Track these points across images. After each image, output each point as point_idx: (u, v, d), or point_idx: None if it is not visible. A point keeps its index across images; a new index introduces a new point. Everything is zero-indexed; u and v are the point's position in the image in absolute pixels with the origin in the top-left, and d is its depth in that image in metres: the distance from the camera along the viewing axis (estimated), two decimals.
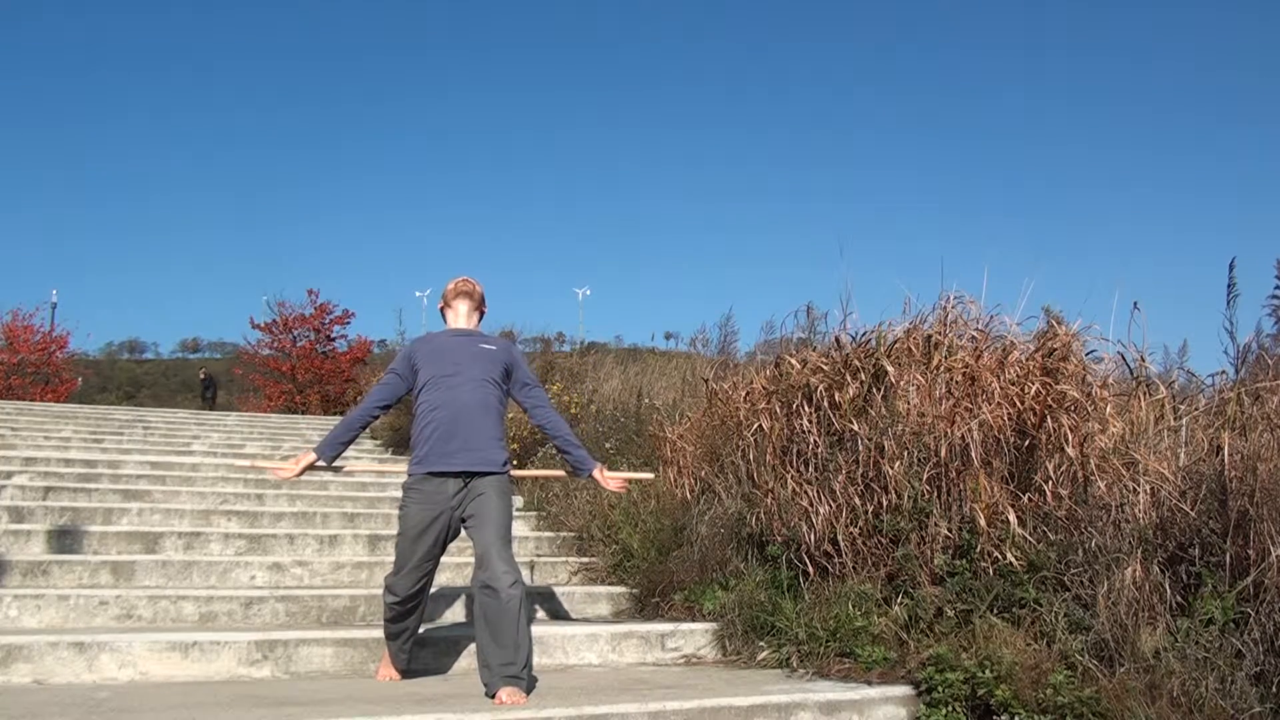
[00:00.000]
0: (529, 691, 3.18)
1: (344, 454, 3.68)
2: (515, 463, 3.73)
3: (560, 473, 4.78)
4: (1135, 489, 3.71)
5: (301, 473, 3.62)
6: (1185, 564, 3.43)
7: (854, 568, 4.13)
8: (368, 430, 11.41)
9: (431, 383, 3.55)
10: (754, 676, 3.78)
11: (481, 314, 3.81)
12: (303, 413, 18.49)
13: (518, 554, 3.46)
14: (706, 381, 6.07)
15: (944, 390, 4.42)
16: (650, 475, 4.77)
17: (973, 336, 4.79)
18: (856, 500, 4.25)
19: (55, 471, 6.91)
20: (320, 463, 3.63)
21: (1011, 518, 3.86)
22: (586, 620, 4.66)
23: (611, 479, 3.84)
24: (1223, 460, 3.53)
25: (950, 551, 3.96)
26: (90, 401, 21.34)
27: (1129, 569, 3.35)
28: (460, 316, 3.72)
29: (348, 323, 23.80)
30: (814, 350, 5.35)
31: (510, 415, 7.51)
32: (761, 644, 4.05)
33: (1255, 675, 3.02)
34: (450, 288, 3.77)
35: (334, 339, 23.52)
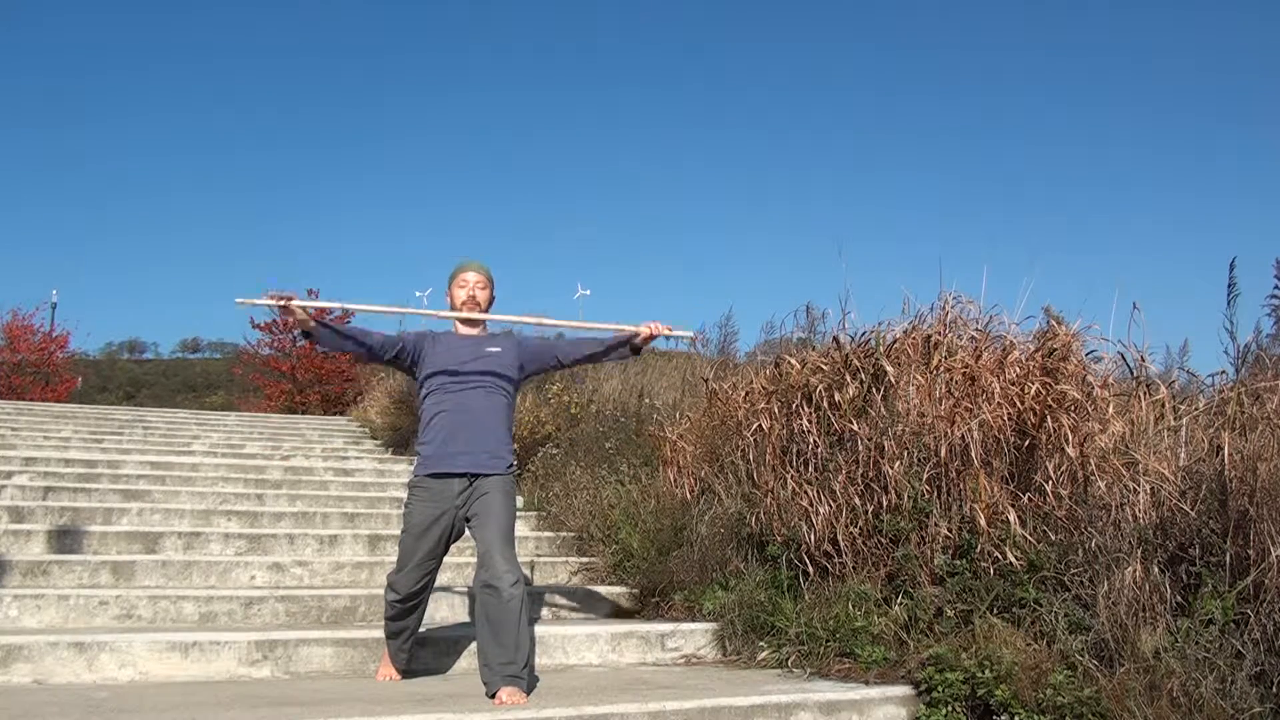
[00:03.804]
0: (529, 691, 3.18)
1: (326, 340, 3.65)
2: (515, 463, 3.64)
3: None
4: (1135, 489, 3.71)
5: (289, 302, 3.45)
6: (1185, 564, 3.43)
7: (854, 568, 4.13)
8: (367, 430, 11.52)
9: (438, 387, 3.56)
10: (754, 676, 3.78)
11: (492, 299, 3.75)
12: (303, 412, 18.46)
13: (518, 554, 3.46)
14: (706, 381, 6.06)
15: (944, 390, 4.42)
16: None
17: (972, 336, 4.78)
18: (856, 500, 4.25)
19: (55, 471, 6.91)
20: (303, 315, 3.50)
21: (1011, 518, 3.86)
22: (586, 620, 4.66)
23: (651, 331, 3.67)
24: (1223, 460, 3.53)
25: (950, 551, 3.96)
26: (90, 401, 21.32)
27: (1129, 569, 3.35)
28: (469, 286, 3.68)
29: (348, 322, 23.76)
30: (814, 350, 5.35)
31: None
32: (761, 644, 4.05)
33: (1255, 675, 3.02)
34: (458, 269, 3.73)
35: None
